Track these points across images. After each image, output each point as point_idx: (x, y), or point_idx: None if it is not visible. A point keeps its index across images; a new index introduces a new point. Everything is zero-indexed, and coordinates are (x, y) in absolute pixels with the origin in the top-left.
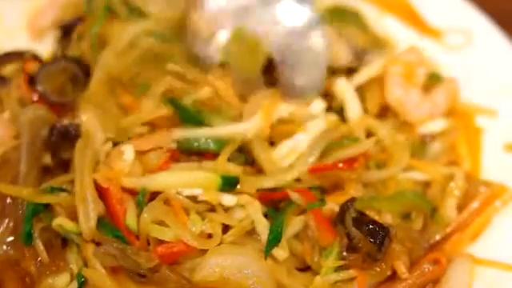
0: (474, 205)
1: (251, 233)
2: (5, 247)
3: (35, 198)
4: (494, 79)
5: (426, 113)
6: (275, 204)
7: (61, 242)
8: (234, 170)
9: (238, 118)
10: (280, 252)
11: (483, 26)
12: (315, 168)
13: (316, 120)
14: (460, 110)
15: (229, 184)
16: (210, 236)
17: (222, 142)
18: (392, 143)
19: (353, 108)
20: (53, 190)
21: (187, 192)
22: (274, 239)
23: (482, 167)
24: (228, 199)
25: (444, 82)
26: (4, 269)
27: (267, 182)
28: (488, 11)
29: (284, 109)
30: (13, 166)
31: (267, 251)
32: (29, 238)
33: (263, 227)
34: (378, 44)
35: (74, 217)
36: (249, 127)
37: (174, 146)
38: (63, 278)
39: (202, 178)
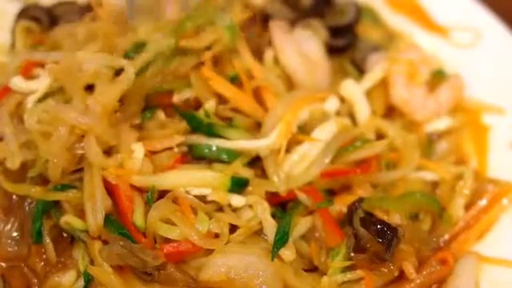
0: (482, 203)
1: (259, 233)
2: (11, 244)
3: (44, 195)
4: (501, 77)
5: (432, 111)
6: (283, 204)
7: (69, 240)
8: (245, 172)
9: (255, 126)
10: (287, 253)
11: (490, 24)
12: (328, 173)
13: (328, 124)
14: (467, 107)
15: (238, 185)
16: (217, 236)
17: (234, 153)
18: (402, 143)
19: (362, 109)
20: (62, 188)
21: (196, 191)
22: (281, 239)
23: (488, 165)
24: (237, 200)
25: (448, 79)
26: (10, 266)
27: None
28: (495, 9)
29: (304, 115)
30: None
31: (274, 252)
32: (39, 236)
33: (271, 227)
34: (391, 38)
35: (81, 215)
36: (265, 145)
37: (185, 149)
38: (69, 276)
39: (212, 178)
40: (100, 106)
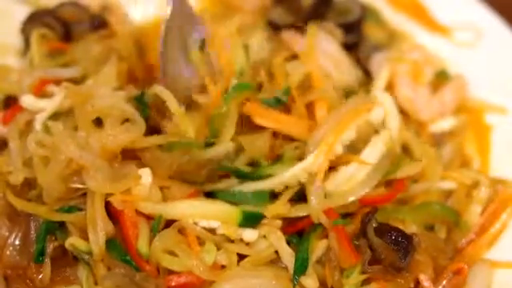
0: (493, 206)
1: (275, 261)
2: (12, 253)
3: (49, 215)
4: (503, 76)
5: (436, 111)
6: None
7: (72, 258)
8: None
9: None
10: (309, 281)
11: (492, 23)
12: (367, 200)
13: (378, 144)
14: (469, 107)
15: (251, 220)
16: (223, 267)
17: (262, 195)
18: (425, 157)
19: (394, 121)
20: (68, 209)
21: (204, 223)
22: (301, 266)
23: (490, 165)
24: (249, 235)
25: (452, 79)
26: (12, 274)
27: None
28: (497, 8)
29: (351, 134)
30: None
31: (295, 280)
32: (40, 256)
33: (288, 256)
34: (394, 38)
35: (86, 237)
36: (301, 169)
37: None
38: None
39: (222, 210)
40: (101, 147)
